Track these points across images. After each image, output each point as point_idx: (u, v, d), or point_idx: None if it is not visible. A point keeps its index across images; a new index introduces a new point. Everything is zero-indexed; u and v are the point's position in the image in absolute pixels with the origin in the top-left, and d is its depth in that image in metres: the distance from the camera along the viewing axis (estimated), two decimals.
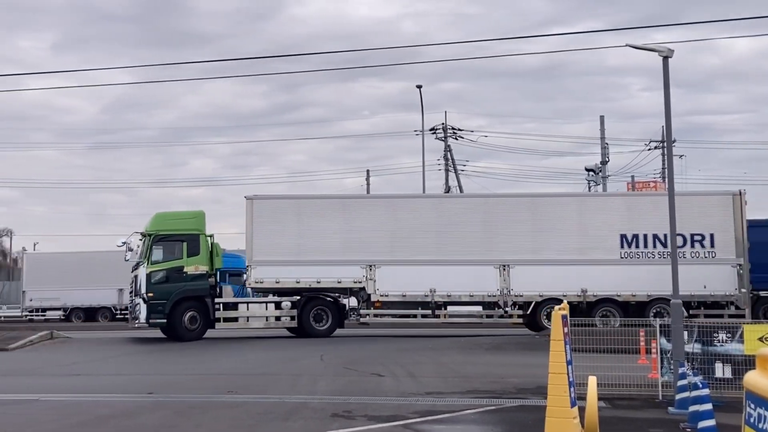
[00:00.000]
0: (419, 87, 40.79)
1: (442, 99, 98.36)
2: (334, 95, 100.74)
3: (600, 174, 41.81)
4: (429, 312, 22.22)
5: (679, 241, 21.94)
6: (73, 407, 12.01)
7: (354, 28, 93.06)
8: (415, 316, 22.43)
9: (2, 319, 34.43)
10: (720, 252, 22.04)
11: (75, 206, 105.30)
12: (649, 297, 22.02)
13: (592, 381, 8.38)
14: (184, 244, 21.77)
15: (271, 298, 22.40)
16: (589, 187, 41.97)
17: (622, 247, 22.21)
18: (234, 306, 22.13)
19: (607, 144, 42.43)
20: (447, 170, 45.09)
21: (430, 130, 44.44)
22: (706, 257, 22.08)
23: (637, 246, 22.18)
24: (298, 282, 22.14)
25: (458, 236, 22.28)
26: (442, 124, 45.25)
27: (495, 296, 22.07)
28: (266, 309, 22.17)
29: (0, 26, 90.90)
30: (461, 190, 43.07)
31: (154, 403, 12.31)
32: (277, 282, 22.10)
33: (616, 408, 10.64)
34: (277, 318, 22.24)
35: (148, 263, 21.46)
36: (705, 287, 21.96)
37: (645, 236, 22.17)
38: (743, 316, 22.37)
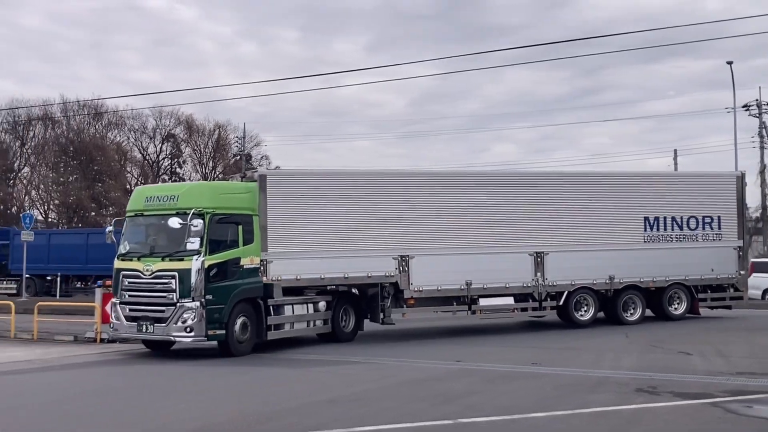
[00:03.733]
0: (730, 63, 38.81)
1: (754, 75, 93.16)
2: (638, 77, 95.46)
3: None
4: (465, 307, 19.24)
5: (693, 223, 21.39)
6: (392, 370, 13.50)
7: (654, 9, 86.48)
8: (451, 312, 19.30)
9: None
10: (725, 234, 21.69)
11: None
12: (667, 282, 21.09)
13: None
14: (240, 227, 16.18)
15: (312, 296, 17.79)
16: None
17: (645, 230, 20.96)
18: (280, 308, 16.99)
19: None
20: (762, 148, 42.38)
21: (743, 107, 41.83)
22: (713, 240, 21.56)
23: (657, 229, 21.03)
24: (322, 278, 17.87)
25: (495, 220, 19.47)
26: (756, 100, 42.59)
27: (530, 287, 19.69)
28: (307, 310, 17.54)
29: (321, 32, 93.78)
30: None
31: (462, 370, 13.29)
32: (297, 278, 17.63)
33: None
34: (314, 321, 17.76)
35: (205, 252, 15.47)
36: (712, 270, 21.51)
37: (665, 219, 21.10)
38: (741, 299, 22.45)
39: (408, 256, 18.51)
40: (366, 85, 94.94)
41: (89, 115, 59.66)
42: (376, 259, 18.27)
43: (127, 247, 16.71)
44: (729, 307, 22.11)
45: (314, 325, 17.76)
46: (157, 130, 64.28)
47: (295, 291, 17.76)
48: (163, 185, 16.76)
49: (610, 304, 20.65)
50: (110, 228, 17.84)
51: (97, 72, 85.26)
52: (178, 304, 15.41)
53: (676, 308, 21.32)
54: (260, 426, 9.15)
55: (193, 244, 15.31)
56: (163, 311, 15.63)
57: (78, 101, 56.91)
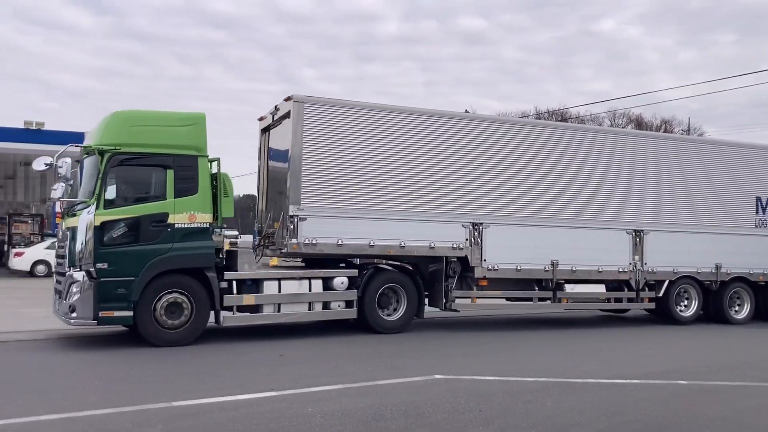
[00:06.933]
0: None
1: None
2: None
3: None
4: (548, 293, 14.03)
5: None
6: None
7: None
8: (530, 299, 14.05)
9: None
10: None
11: None
12: None
13: None
14: (170, 172, 10.90)
15: (318, 271, 12.41)
16: None
17: (756, 213, 16.04)
18: (255, 285, 11.69)
19: None
20: None
21: None
22: None
23: None
24: (371, 245, 12.51)
25: (590, 186, 14.37)
26: None
27: (626, 272, 14.57)
28: (309, 289, 12.16)
29: (759, 33, 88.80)
30: None
31: None
32: (339, 244, 12.27)
33: None
34: (326, 304, 12.29)
35: (98, 204, 10.41)
36: None
37: None
38: None
39: (482, 224, 13.29)
40: None
41: (556, 121, 68.42)
42: (442, 225, 13.03)
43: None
44: None
45: (326, 308, 12.24)
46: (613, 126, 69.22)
47: (320, 262, 12.57)
48: None
49: (714, 298, 15.68)
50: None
51: (560, 87, 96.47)
52: (67, 274, 10.57)
53: None
54: (713, 374, 9.39)
55: (56, 191, 10.63)
56: (60, 283, 10.99)
57: (548, 111, 63.32)
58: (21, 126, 25.41)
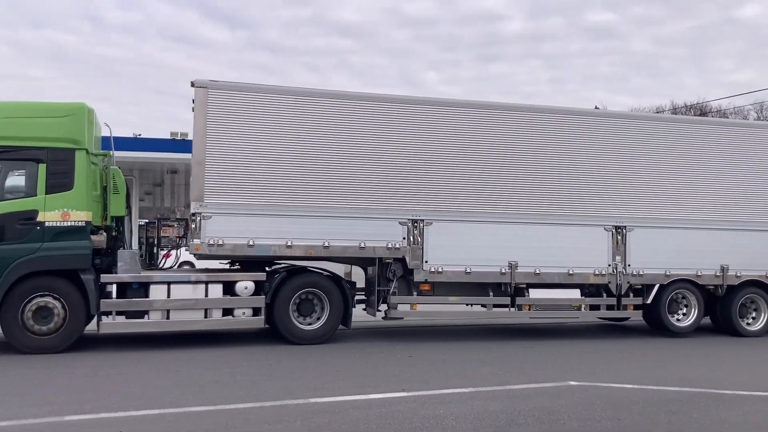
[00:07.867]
0: None
1: None
2: None
3: None
4: (506, 300, 12.17)
5: None
6: None
7: None
8: (483, 305, 12.25)
9: None
10: None
11: None
12: None
13: None
14: (42, 166, 9.93)
15: (218, 274, 11.09)
16: None
17: None
18: (141, 289, 10.44)
19: None
20: None
21: None
22: None
23: None
24: (289, 246, 11.06)
25: (557, 176, 12.41)
26: None
27: (604, 275, 12.50)
28: (206, 294, 10.69)
29: None
30: None
31: None
32: (251, 245, 10.89)
33: None
34: (228, 311, 10.85)
35: None
36: None
37: None
38: None
39: (422, 220, 11.61)
40: None
41: (695, 115, 62.62)
42: (375, 222, 11.45)
43: None
44: None
45: (228, 315, 10.83)
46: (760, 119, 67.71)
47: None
48: None
49: (721, 305, 13.37)
50: None
51: (697, 80, 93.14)
52: None
53: None
54: None
55: None
56: None
57: (685, 105, 60.91)
58: (167, 137, 26.18)
